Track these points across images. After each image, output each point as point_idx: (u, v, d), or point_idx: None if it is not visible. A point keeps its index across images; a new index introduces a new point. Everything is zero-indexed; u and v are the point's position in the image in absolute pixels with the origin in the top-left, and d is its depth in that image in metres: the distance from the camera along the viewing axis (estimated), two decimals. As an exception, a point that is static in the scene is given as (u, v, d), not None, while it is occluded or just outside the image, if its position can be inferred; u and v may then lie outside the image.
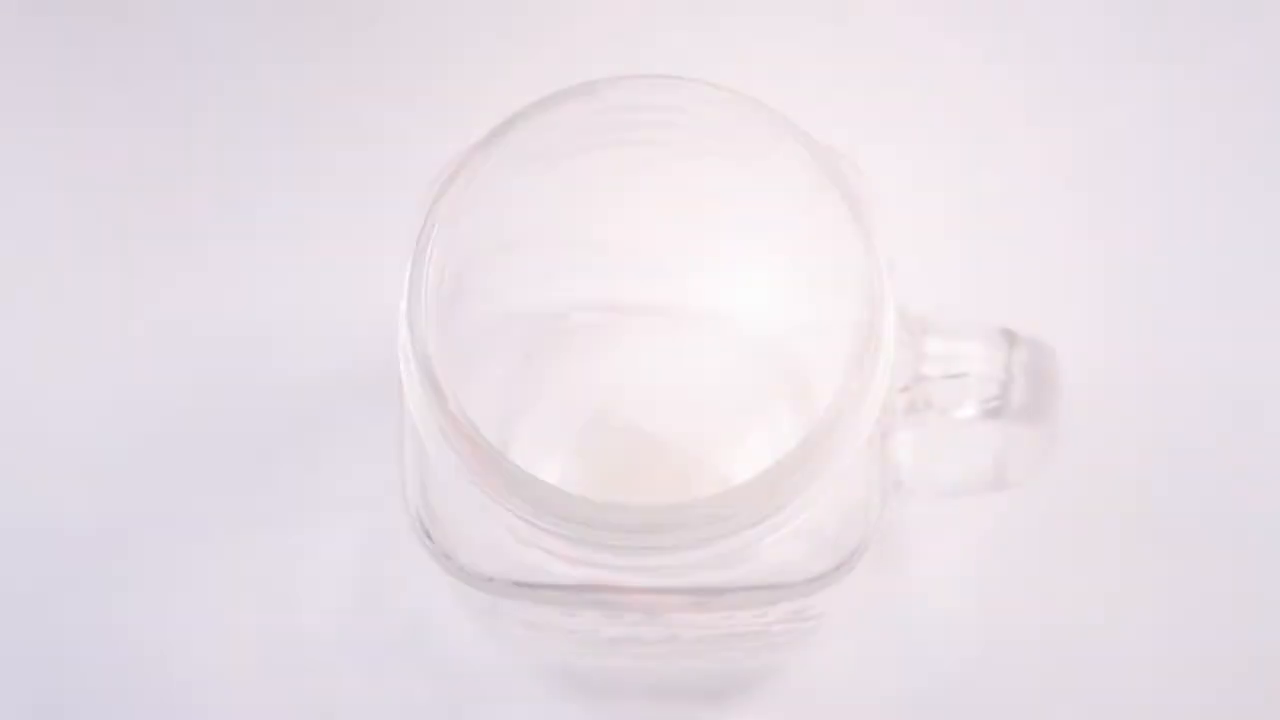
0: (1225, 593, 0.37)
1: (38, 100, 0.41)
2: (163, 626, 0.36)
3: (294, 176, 0.40)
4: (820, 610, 0.30)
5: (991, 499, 0.33)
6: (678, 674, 0.35)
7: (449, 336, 0.31)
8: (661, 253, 0.33)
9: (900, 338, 0.29)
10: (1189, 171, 0.40)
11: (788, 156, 0.27)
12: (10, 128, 0.40)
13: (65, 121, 0.41)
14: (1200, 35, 0.42)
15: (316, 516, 0.37)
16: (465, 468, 0.25)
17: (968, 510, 0.36)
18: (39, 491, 0.37)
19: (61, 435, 0.38)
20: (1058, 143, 0.40)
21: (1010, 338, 0.30)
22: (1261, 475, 0.37)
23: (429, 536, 0.29)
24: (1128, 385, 0.38)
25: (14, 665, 0.36)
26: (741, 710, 0.36)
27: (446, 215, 0.26)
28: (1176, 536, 0.37)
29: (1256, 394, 0.38)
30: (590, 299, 0.36)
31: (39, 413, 0.38)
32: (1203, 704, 0.36)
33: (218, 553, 0.37)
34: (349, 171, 0.40)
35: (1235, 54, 0.42)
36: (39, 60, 0.41)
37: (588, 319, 0.36)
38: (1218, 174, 0.40)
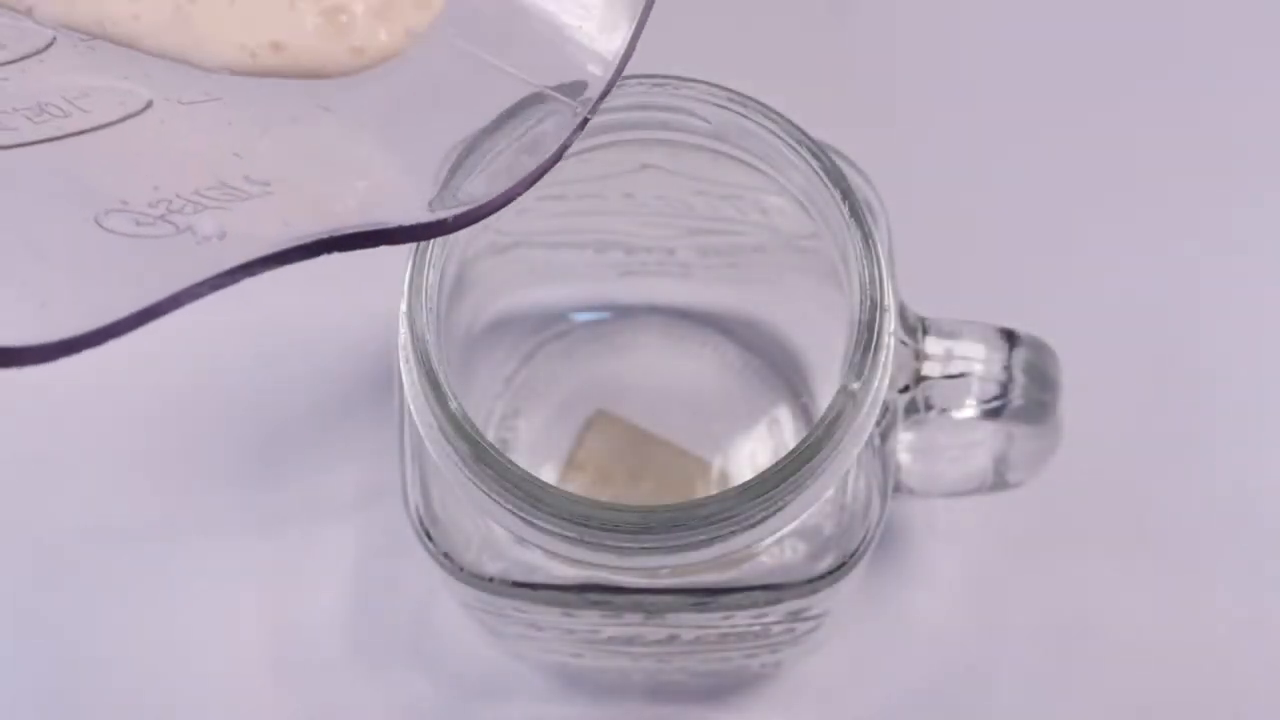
0: (1225, 592, 0.37)
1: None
2: (164, 626, 0.36)
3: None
4: (820, 610, 0.30)
5: (991, 499, 0.33)
6: (678, 674, 0.35)
7: (449, 336, 0.31)
8: (662, 253, 0.33)
9: (900, 338, 0.29)
10: (1189, 170, 0.40)
11: (788, 157, 0.27)
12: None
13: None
14: (1199, 36, 0.42)
15: (316, 516, 0.37)
16: (465, 468, 0.25)
17: (968, 510, 0.36)
18: (40, 492, 0.37)
19: (63, 436, 0.38)
20: (1058, 143, 0.40)
21: (1010, 338, 0.30)
22: (1261, 475, 0.37)
23: (429, 537, 0.29)
24: (1127, 385, 0.38)
25: (16, 664, 0.36)
26: (741, 710, 0.36)
27: (446, 215, 0.26)
28: (1175, 536, 0.37)
29: (1256, 394, 0.38)
30: (590, 299, 0.36)
31: (40, 414, 0.38)
32: (1202, 702, 0.36)
33: (218, 552, 0.37)
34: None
35: (1229, 56, 0.42)
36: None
37: (588, 319, 0.36)
38: (1217, 173, 0.40)
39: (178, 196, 0.20)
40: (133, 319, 0.18)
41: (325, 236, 0.20)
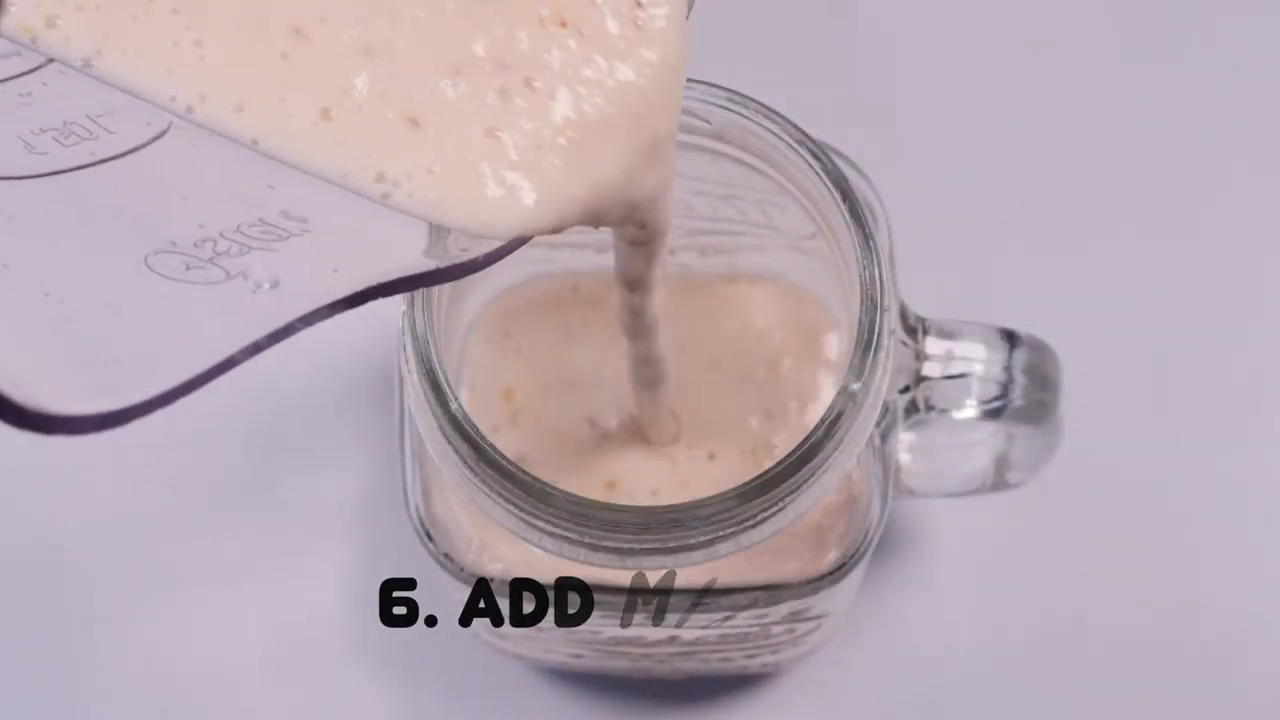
0: (1226, 593, 0.37)
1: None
2: (164, 625, 0.36)
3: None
4: (820, 611, 0.30)
5: (991, 499, 0.33)
6: (678, 674, 0.35)
7: (449, 337, 0.31)
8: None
9: (900, 338, 0.29)
10: (1188, 170, 0.40)
11: (788, 156, 0.27)
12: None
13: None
14: (1199, 37, 0.42)
15: (317, 517, 0.37)
16: (466, 468, 0.25)
17: (967, 510, 0.36)
18: (41, 493, 0.37)
19: (63, 439, 0.38)
20: (1058, 144, 0.40)
21: (1010, 338, 0.30)
22: (1261, 474, 0.37)
23: (429, 537, 0.29)
24: (1128, 385, 0.38)
25: (16, 664, 0.36)
26: (741, 710, 0.36)
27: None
28: (1175, 536, 0.37)
29: (1256, 393, 0.38)
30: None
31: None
32: (1202, 701, 0.36)
33: (218, 553, 0.37)
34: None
35: (1228, 56, 0.42)
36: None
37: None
38: (1218, 172, 0.40)
39: (222, 236, 0.19)
40: (203, 376, 0.18)
41: (375, 284, 0.20)
